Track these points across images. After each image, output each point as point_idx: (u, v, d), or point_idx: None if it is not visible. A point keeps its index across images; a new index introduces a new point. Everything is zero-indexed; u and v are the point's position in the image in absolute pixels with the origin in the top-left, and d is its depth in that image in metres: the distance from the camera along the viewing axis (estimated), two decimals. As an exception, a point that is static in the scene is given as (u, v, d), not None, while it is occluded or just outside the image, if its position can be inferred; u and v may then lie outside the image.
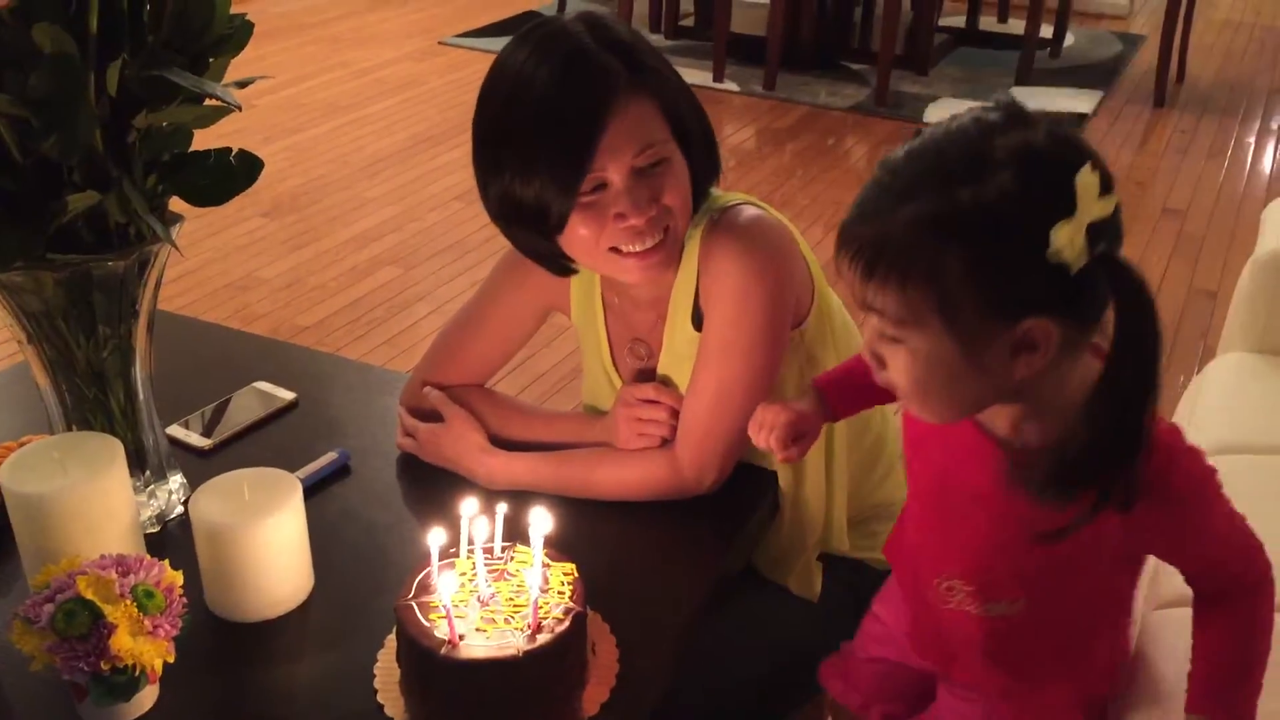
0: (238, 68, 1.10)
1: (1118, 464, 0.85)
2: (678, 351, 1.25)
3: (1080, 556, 0.95)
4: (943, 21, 5.18)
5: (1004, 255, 0.80)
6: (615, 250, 1.15)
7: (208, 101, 1.05)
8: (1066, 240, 0.77)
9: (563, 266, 1.23)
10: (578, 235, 1.13)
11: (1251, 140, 4.18)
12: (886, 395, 0.95)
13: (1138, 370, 0.82)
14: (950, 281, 0.80)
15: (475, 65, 4.80)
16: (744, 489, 1.24)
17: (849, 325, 1.32)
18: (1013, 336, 0.82)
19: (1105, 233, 0.80)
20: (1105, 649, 1.08)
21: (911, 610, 1.15)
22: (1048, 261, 0.78)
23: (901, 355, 0.86)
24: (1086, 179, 0.78)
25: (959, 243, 0.80)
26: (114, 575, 0.92)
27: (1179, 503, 0.91)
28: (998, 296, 0.81)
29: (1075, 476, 0.85)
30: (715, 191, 1.25)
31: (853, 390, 1.11)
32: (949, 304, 0.81)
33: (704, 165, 1.20)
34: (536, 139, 1.10)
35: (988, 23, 5.37)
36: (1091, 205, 0.78)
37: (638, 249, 1.14)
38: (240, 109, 1.03)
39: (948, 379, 0.85)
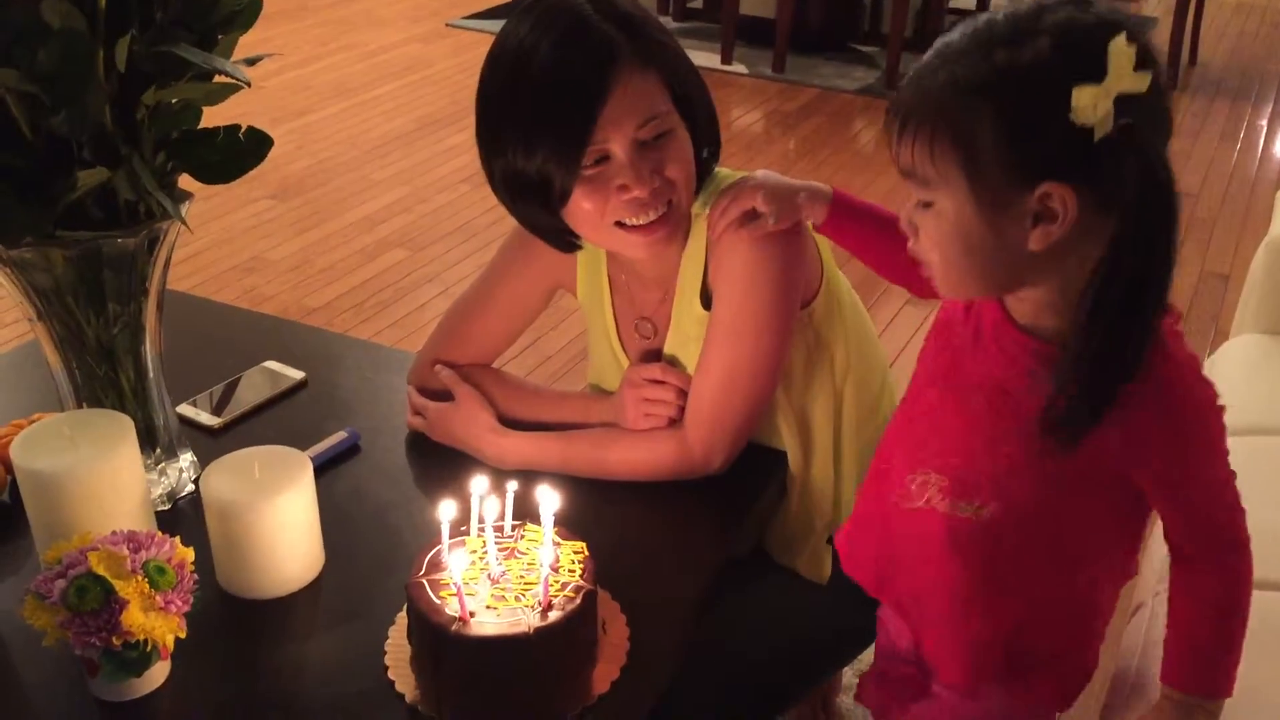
0: (244, 50, 1.09)
1: (1122, 355, 0.86)
2: (685, 331, 1.24)
3: (1061, 469, 0.94)
4: (953, 3, 5.14)
5: (1029, 114, 0.82)
6: (620, 224, 1.14)
7: (217, 78, 1.05)
8: (1089, 102, 0.79)
9: (568, 243, 1.23)
10: (582, 209, 1.13)
11: (1264, 123, 4.15)
12: (883, 251, 1.06)
13: (1144, 253, 0.84)
14: (977, 139, 0.83)
15: (482, 47, 4.74)
16: (752, 469, 1.23)
17: (858, 306, 1.31)
18: (1032, 203, 0.84)
19: (1138, 110, 0.81)
20: (1066, 619, 1.05)
21: (861, 516, 1.15)
22: (1071, 125, 0.80)
23: (930, 220, 0.89)
24: (1120, 47, 0.79)
25: (987, 100, 0.83)
26: (125, 551, 0.92)
27: (1182, 419, 0.90)
28: (1020, 156, 0.83)
29: (1087, 371, 0.87)
30: (725, 170, 1.24)
31: (860, 217, 1.16)
32: (974, 162, 0.84)
33: (707, 140, 1.19)
34: (538, 111, 1.09)
35: (999, 4, 5.33)
36: (1123, 75, 0.79)
37: (641, 222, 1.14)
38: (249, 84, 1.02)
39: (968, 246, 0.88)
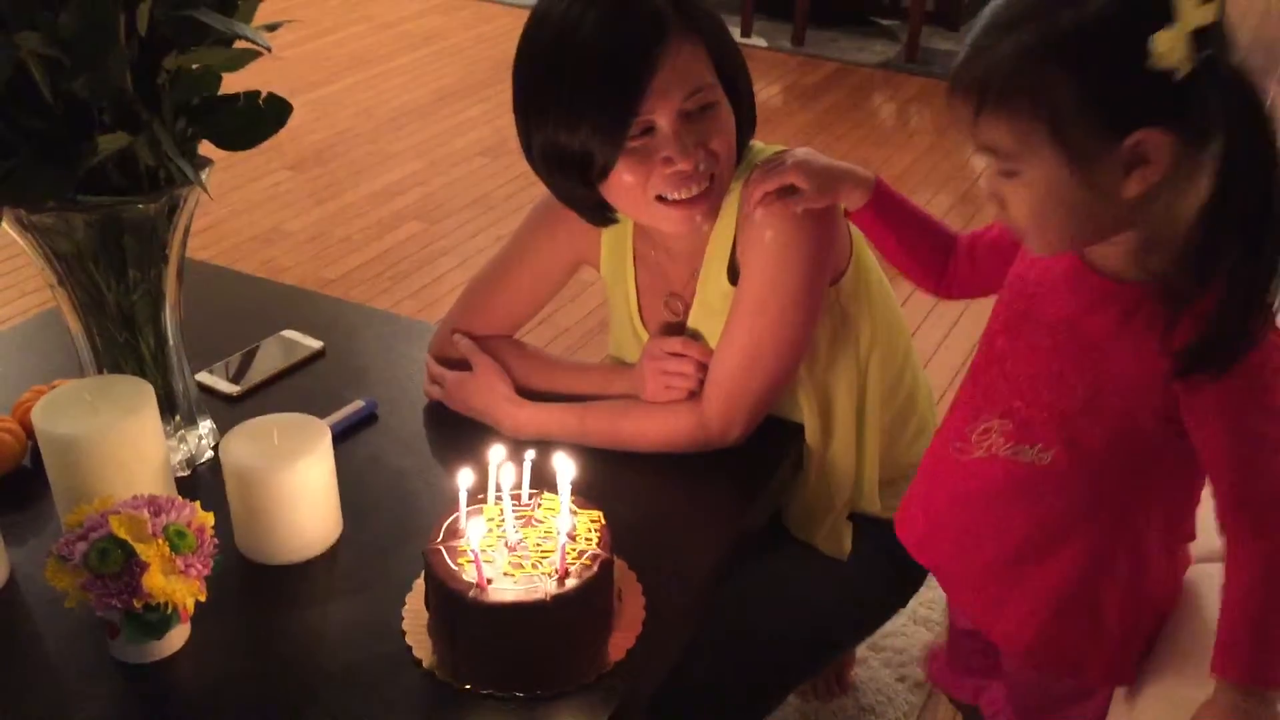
0: (262, 20, 1.09)
1: (1252, 291, 0.84)
2: (710, 304, 1.24)
3: (1129, 412, 0.93)
4: (975, -23, 5.09)
5: (1107, 69, 0.82)
6: (661, 199, 1.13)
7: (237, 44, 1.05)
8: (1167, 46, 0.79)
9: (604, 217, 1.22)
10: (623, 182, 1.12)
11: (1289, 101, 4.10)
12: (916, 250, 1.08)
13: (1250, 181, 0.83)
14: (1057, 104, 0.83)
15: (501, 19, 4.76)
16: (770, 442, 1.23)
17: (884, 285, 1.30)
18: (1124, 152, 0.83)
19: (1211, 40, 0.80)
20: (1121, 576, 1.02)
21: (918, 474, 1.15)
22: (1151, 71, 0.79)
23: (1019, 189, 0.88)
24: None
25: (1062, 64, 0.82)
26: (146, 515, 0.93)
27: (1259, 365, 0.87)
28: (1105, 112, 0.83)
29: (1223, 311, 0.85)
30: (757, 144, 1.23)
31: (899, 211, 1.15)
32: (1058, 127, 0.83)
33: (746, 115, 1.18)
34: (585, 85, 1.08)
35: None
36: (1191, 13, 0.79)
37: (684, 196, 1.13)
38: (270, 50, 1.02)
39: (1065, 207, 0.87)
